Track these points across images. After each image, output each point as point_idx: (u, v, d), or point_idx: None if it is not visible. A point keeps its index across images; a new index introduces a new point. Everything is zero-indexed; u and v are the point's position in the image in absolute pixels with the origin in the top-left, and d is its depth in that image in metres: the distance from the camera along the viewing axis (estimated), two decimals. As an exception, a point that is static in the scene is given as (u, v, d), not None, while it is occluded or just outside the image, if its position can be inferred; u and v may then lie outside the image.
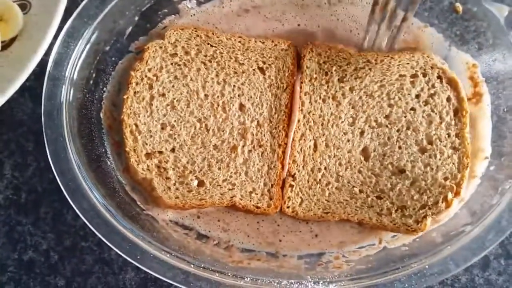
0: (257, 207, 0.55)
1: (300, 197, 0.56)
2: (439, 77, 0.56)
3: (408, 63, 0.56)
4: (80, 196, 0.49)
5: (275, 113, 0.57)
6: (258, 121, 0.56)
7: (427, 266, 0.49)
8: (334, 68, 0.57)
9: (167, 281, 0.54)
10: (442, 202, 0.54)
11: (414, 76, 0.56)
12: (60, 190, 0.57)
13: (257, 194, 0.55)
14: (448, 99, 0.55)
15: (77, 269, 0.57)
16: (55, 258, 0.57)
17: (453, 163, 0.54)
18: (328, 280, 0.49)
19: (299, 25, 0.59)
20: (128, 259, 0.47)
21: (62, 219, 0.57)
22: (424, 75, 0.56)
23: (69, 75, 0.51)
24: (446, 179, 0.54)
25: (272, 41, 0.58)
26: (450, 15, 0.57)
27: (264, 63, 0.57)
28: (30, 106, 0.59)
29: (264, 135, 0.56)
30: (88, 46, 0.52)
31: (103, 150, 0.54)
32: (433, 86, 0.56)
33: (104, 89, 0.55)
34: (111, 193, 0.51)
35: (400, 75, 0.56)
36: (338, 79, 0.57)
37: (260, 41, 0.58)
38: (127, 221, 0.49)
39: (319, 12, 0.59)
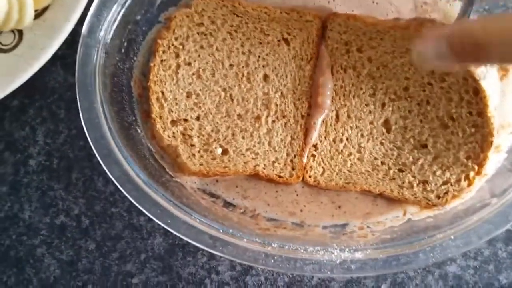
0: (280, 177, 0.56)
1: (322, 167, 0.56)
2: None
3: (411, 38, 0.55)
4: (113, 162, 0.50)
5: (298, 84, 0.57)
6: (282, 92, 0.57)
7: (452, 237, 0.49)
8: (352, 37, 0.56)
9: (194, 247, 0.57)
10: (465, 180, 0.54)
11: None
12: (91, 157, 0.59)
13: (279, 164, 0.56)
14: (465, 79, 0.54)
15: (107, 234, 0.59)
16: (86, 223, 0.59)
17: (476, 142, 0.54)
18: (354, 248, 0.49)
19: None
20: (160, 223, 0.49)
21: (92, 185, 0.59)
22: None
23: (102, 43, 0.52)
24: (468, 158, 0.54)
25: (297, 13, 0.58)
26: (478, -11, 0.56)
27: (289, 34, 0.57)
28: (62, 74, 0.61)
29: (288, 106, 0.57)
30: (120, 15, 0.52)
31: (134, 118, 0.55)
32: None
33: (134, 58, 0.56)
34: (141, 160, 0.52)
35: (407, 49, 0.55)
36: (357, 49, 0.56)
37: (285, 12, 0.58)
38: (158, 187, 0.51)
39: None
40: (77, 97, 0.51)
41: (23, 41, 0.58)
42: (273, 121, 0.56)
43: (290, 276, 0.58)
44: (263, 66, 0.57)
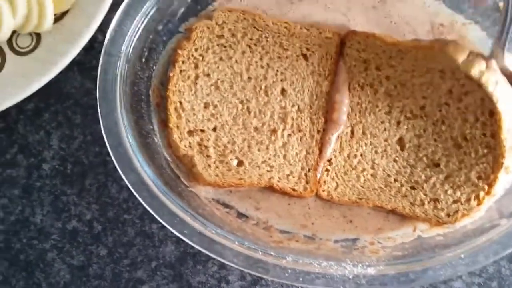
0: (294, 190, 0.57)
1: (336, 182, 0.57)
2: (467, 77, 0.54)
3: (432, 59, 0.55)
4: (130, 170, 0.50)
5: (315, 100, 0.58)
6: (298, 106, 0.58)
7: (462, 256, 0.50)
8: (371, 55, 0.57)
9: (206, 256, 0.57)
10: (474, 200, 0.55)
11: (442, 71, 0.56)
12: (106, 163, 0.59)
13: (294, 177, 0.57)
14: (482, 99, 0.55)
15: (119, 240, 0.59)
16: (98, 229, 0.59)
17: (487, 163, 0.55)
18: (366, 263, 0.50)
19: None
20: (176, 233, 0.49)
21: (106, 191, 0.59)
22: (452, 72, 0.55)
23: (124, 52, 0.52)
24: (479, 178, 0.55)
25: (317, 29, 0.58)
26: (494, 14, 0.57)
27: (308, 49, 0.58)
28: (79, 79, 0.61)
29: (304, 121, 0.58)
30: (143, 25, 0.53)
31: (151, 127, 0.55)
32: (463, 85, 0.55)
33: (154, 67, 0.56)
34: (158, 169, 0.53)
35: (428, 68, 0.56)
36: (375, 67, 0.57)
37: (305, 28, 0.58)
38: (174, 196, 0.51)
39: (373, 14, 0.59)
40: (98, 104, 0.51)
41: (41, 45, 0.58)
42: (289, 135, 0.57)
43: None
44: (281, 80, 0.58)
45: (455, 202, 0.56)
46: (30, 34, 0.59)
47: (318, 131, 0.58)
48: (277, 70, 0.58)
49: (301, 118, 0.57)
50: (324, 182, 0.57)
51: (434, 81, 0.56)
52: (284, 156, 0.57)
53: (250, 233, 0.54)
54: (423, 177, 0.56)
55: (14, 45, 0.59)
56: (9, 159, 0.60)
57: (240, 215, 0.57)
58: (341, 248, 0.55)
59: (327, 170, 0.57)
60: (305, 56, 0.58)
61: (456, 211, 0.55)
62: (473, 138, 0.56)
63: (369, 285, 0.50)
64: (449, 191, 0.56)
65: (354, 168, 0.57)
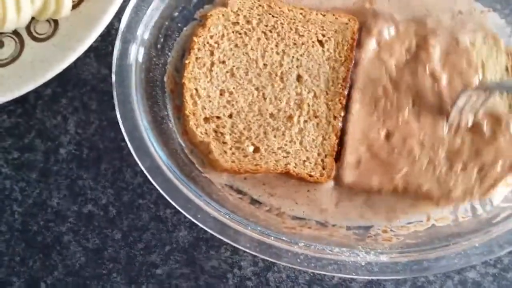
0: (310, 176, 0.57)
1: None
2: None
3: None
4: (145, 155, 0.51)
5: (332, 86, 0.58)
6: (315, 93, 0.57)
7: (477, 245, 0.50)
8: None
9: (218, 241, 0.58)
10: None
11: None
12: (121, 148, 0.60)
13: (310, 163, 0.57)
14: None
15: (134, 224, 0.60)
16: (113, 213, 0.60)
17: None
18: (379, 251, 0.50)
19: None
20: (189, 217, 0.50)
21: (121, 176, 0.60)
22: None
23: (140, 39, 0.52)
24: None
25: (333, 14, 0.58)
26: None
27: (323, 35, 0.58)
28: (95, 66, 0.61)
29: (320, 107, 0.57)
30: (159, 11, 0.53)
31: (166, 113, 0.56)
32: None
33: (169, 54, 0.56)
34: (173, 155, 0.53)
35: None
36: None
37: (321, 14, 0.58)
38: (188, 181, 0.52)
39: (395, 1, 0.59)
40: (114, 91, 0.52)
41: (58, 31, 0.59)
42: (305, 121, 0.57)
43: (311, 274, 0.59)
44: (296, 67, 0.57)
45: None
46: (48, 20, 0.59)
47: (335, 117, 0.57)
48: (292, 57, 0.58)
49: (317, 104, 0.57)
50: None
51: None
52: (301, 142, 0.57)
53: (262, 219, 0.54)
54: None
55: (33, 31, 0.60)
56: (27, 143, 0.61)
57: (253, 201, 0.57)
58: (354, 236, 0.55)
59: None
60: (321, 42, 0.58)
61: None
62: None
63: (381, 272, 0.50)
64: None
65: None
